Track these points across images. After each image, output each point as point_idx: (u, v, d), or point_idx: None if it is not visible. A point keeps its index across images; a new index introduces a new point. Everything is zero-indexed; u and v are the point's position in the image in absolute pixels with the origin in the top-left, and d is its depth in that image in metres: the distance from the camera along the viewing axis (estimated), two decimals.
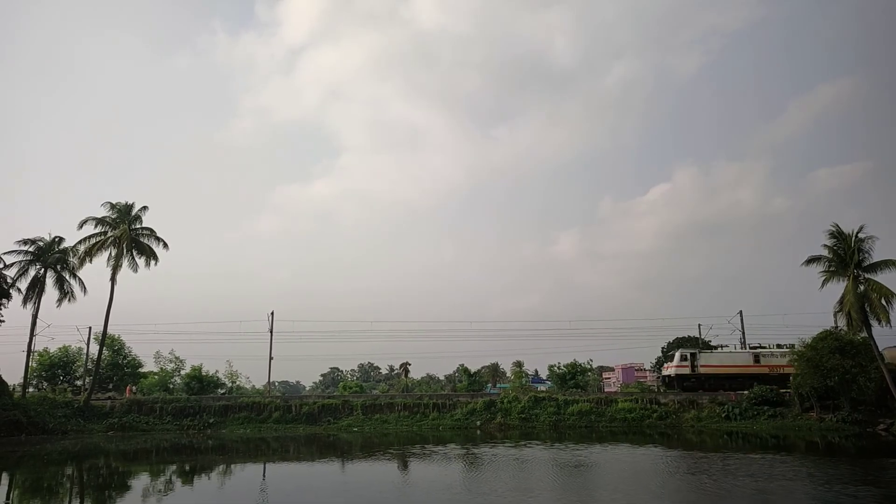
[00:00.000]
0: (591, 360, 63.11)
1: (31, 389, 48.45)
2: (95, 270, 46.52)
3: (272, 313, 61.61)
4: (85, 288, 45.74)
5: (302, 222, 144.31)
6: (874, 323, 37.57)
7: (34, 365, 53.76)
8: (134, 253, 45.29)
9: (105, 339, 48.06)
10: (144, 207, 47.02)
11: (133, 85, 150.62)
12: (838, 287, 39.41)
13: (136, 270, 45.35)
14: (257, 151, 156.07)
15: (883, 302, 36.77)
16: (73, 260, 45.12)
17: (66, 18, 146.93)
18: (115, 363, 60.76)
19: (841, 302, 38.94)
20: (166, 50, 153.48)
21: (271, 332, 61.12)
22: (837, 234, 39.16)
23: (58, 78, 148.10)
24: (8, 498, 19.68)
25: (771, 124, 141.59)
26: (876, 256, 38.84)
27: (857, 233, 38.64)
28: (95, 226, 45.42)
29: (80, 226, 45.10)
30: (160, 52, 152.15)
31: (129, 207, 46.48)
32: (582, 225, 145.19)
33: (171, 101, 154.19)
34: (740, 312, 62.75)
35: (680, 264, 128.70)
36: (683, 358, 48.97)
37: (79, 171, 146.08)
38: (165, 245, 46.63)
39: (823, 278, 39.54)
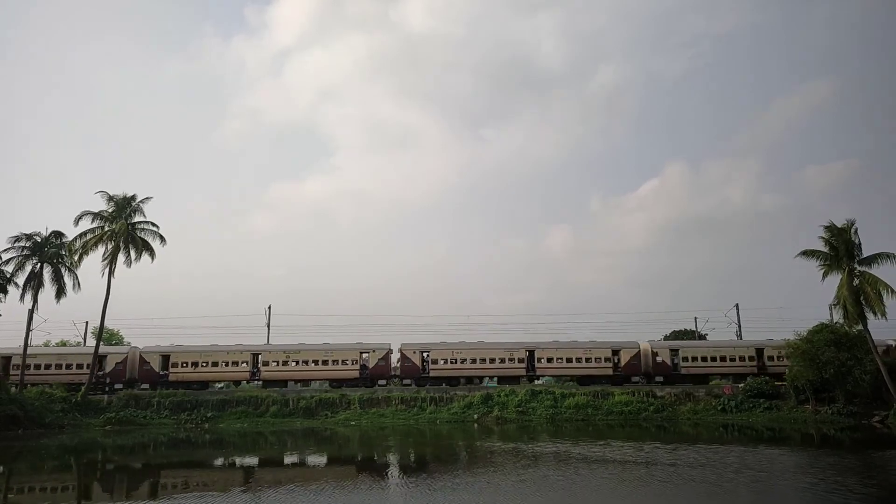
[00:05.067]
0: None
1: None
2: (94, 265, 46.18)
3: (269, 308, 61.76)
4: (78, 283, 45.59)
5: (297, 221, 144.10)
6: (870, 315, 37.72)
7: None
8: (130, 248, 44.99)
9: (102, 334, 47.95)
10: (147, 198, 46.61)
11: (126, 87, 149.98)
12: (835, 280, 39.60)
13: (129, 265, 44.97)
14: (251, 151, 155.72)
15: (878, 294, 36.91)
16: (70, 255, 44.91)
17: (59, 21, 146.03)
18: None
19: (837, 295, 39.12)
20: (158, 53, 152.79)
21: (268, 326, 61.27)
22: (831, 229, 39.28)
23: (52, 79, 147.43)
24: (5, 494, 19.72)
25: (760, 123, 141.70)
26: (869, 250, 39.14)
27: (851, 227, 38.82)
28: (93, 220, 45.18)
29: (77, 221, 44.82)
30: (152, 55, 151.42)
31: (128, 200, 45.93)
32: (574, 222, 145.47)
33: (163, 102, 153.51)
34: (736, 306, 63.05)
35: (675, 260, 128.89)
36: None
37: (73, 171, 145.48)
38: (163, 239, 46.23)
39: (822, 272, 39.73)
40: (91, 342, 54.64)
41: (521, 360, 48.44)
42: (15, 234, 44.09)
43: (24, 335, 45.11)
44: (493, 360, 48.47)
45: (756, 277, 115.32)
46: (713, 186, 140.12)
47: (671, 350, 49.27)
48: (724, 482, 18.69)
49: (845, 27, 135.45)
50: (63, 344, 60.74)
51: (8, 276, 43.15)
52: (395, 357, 49.73)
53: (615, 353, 48.93)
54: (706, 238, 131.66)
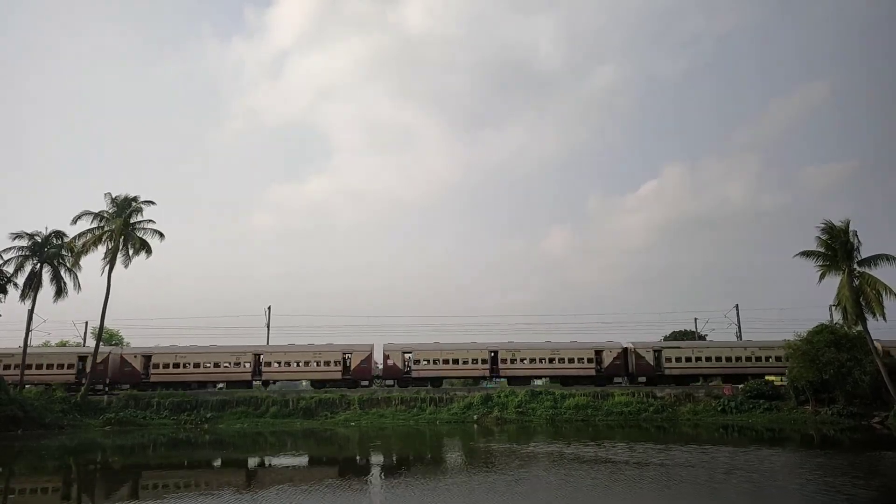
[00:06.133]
0: None
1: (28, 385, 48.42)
2: (94, 265, 46.16)
3: (269, 308, 61.84)
4: (78, 284, 45.49)
5: (297, 221, 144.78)
6: (869, 317, 37.72)
7: None
8: (129, 247, 44.87)
9: (101, 334, 47.92)
10: (149, 202, 46.40)
11: (124, 87, 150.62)
12: (835, 281, 39.60)
13: (127, 265, 44.84)
14: (250, 152, 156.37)
15: (878, 296, 36.90)
16: (71, 255, 44.83)
17: (57, 21, 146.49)
18: None
19: (837, 296, 39.12)
20: (157, 54, 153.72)
21: (268, 326, 61.34)
22: (830, 230, 39.26)
23: (50, 79, 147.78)
24: (6, 494, 19.72)
25: (760, 123, 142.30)
26: (869, 250, 39.17)
27: (850, 228, 38.84)
28: (92, 220, 45.12)
29: (75, 220, 44.73)
30: (151, 56, 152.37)
31: (129, 201, 45.78)
32: (573, 223, 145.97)
33: (163, 103, 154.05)
34: (736, 307, 63.09)
35: (675, 259, 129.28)
36: None
37: (72, 171, 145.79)
38: (161, 236, 46.12)
39: (820, 273, 39.72)
40: (91, 342, 54.63)
41: (247, 364, 48.32)
42: (16, 232, 44.09)
43: (23, 335, 45.19)
44: (218, 365, 48.17)
45: (757, 277, 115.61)
46: (712, 186, 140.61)
47: (404, 353, 49.22)
48: (713, 483, 18.74)
49: (845, 28, 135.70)
50: (63, 344, 60.76)
51: (8, 276, 43.12)
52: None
53: (346, 356, 48.94)
54: (706, 238, 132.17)
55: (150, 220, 46.07)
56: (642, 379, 48.81)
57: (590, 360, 48.90)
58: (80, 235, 44.80)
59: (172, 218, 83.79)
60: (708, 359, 48.54)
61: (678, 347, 49.17)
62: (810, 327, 41.88)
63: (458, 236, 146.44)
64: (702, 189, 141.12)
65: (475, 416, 41.96)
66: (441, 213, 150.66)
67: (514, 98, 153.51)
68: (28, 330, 45.14)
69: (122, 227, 44.49)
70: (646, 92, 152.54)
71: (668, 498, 17.06)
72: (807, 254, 40.07)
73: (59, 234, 45.36)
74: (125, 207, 45.54)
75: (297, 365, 48.32)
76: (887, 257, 38.16)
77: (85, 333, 60.49)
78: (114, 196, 45.73)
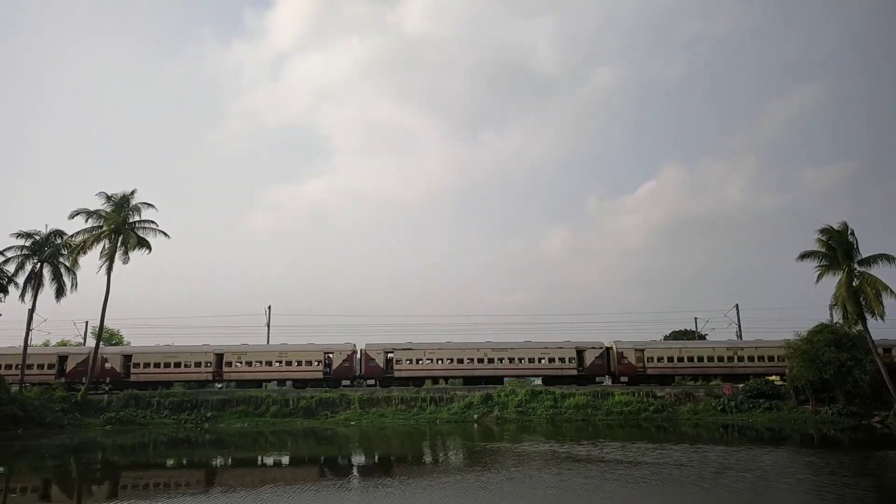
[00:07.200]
0: None
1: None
2: (94, 265, 46.09)
3: (269, 308, 61.88)
4: (76, 283, 45.42)
5: (296, 222, 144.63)
6: (869, 316, 37.74)
7: None
8: (128, 245, 44.79)
9: (101, 334, 47.92)
10: (148, 204, 46.32)
11: (124, 89, 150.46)
12: (834, 281, 39.64)
13: (126, 262, 44.75)
14: (249, 153, 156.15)
15: (877, 295, 36.93)
16: (70, 254, 44.79)
17: (57, 23, 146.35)
18: None
19: (835, 295, 39.16)
20: (157, 56, 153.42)
21: (268, 326, 61.38)
22: (830, 230, 39.30)
23: (50, 80, 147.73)
24: (5, 494, 19.73)
25: (758, 124, 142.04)
26: (866, 251, 39.30)
27: (847, 230, 38.85)
28: (87, 219, 45.00)
29: (72, 216, 44.65)
30: (151, 58, 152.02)
31: (127, 198, 45.66)
32: (572, 223, 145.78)
33: (162, 105, 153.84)
34: (736, 306, 63.10)
35: (674, 260, 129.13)
36: None
37: (72, 172, 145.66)
38: (165, 235, 46.21)
39: (818, 273, 39.76)
40: (91, 342, 54.64)
41: None
42: (16, 231, 44.09)
43: (24, 335, 45.20)
44: None
45: (757, 278, 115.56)
46: (711, 187, 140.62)
47: (124, 356, 48.75)
48: (703, 482, 18.72)
49: (844, 28, 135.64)
50: (63, 344, 60.75)
51: (8, 275, 43.13)
52: None
53: (62, 358, 48.53)
54: (705, 238, 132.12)
55: (150, 221, 46.16)
56: (371, 381, 49.04)
57: (319, 363, 48.67)
58: (79, 234, 44.79)
59: (173, 218, 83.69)
60: (440, 360, 49.02)
61: (410, 349, 49.01)
62: (810, 327, 41.96)
63: (457, 236, 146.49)
64: (701, 189, 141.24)
65: (475, 416, 41.96)
66: (440, 213, 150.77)
67: (513, 99, 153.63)
68: (28, 329, 45.15)
69: (120, 224, 44.45)
70: (645, 93, 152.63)
71: (657, 496, 17.06)
72: (808, 255, 40.12)
73: (59, 234, 45.32)
74: (122, 204, 45.46)
75: (10, 368, 46.51)
76: (887, 257, 38.24)
77: (85, 333, 60.55)
78: (109, 195, 45.61)
